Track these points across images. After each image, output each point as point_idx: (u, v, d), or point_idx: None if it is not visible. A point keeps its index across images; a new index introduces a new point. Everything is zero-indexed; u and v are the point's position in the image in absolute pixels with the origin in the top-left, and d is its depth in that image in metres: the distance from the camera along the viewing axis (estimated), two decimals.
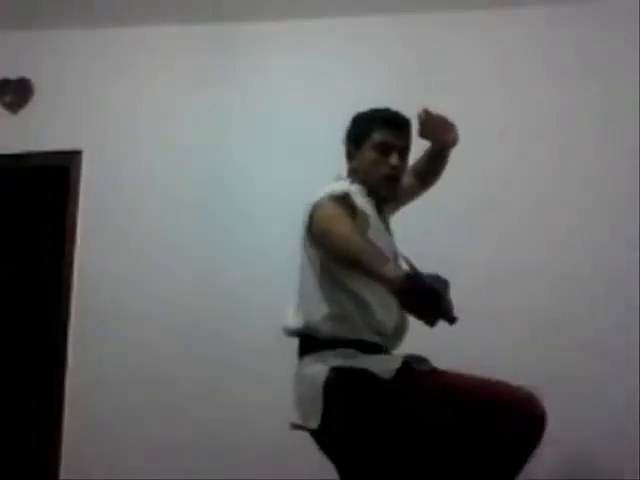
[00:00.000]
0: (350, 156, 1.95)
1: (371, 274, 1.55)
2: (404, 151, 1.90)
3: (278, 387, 3.14)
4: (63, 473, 3.18)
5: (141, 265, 3.35)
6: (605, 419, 2.88)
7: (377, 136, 1.86)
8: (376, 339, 1.77)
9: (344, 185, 1.85)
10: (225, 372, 3.16)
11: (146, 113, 3.52)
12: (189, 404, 3.16)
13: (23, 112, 3.59)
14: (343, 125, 1.97)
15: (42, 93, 3.59)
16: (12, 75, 3.61)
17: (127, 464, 3.11)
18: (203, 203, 3.39)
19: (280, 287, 3.19)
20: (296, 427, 1.76)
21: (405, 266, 1.53)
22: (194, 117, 3.47)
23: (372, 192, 1.88)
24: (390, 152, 1.86)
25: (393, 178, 1.88)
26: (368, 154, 1.88)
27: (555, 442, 2.88)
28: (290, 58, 3.47)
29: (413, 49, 3.36)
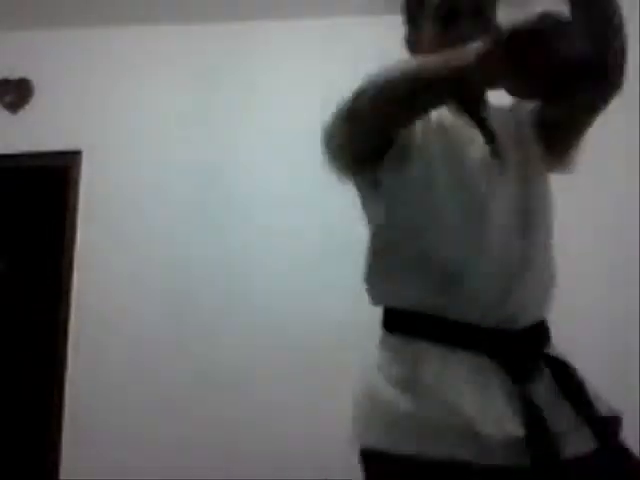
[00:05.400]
0: (412, 46, 1.36)
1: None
2: (481, 10, 1.23)
3: (279, 385, 3.18)
4: (63, 473, 3.18)
5: (141, 265, 3.35)
6: None
7: (431, 0, 1.24)
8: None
9: None
10: (227, 370, 3.16)
11: (146, 113, 3.52)
12: (190, 404, 3.16)
13: (23, 112, 3.59)
14: None
15: (42, 93, 3.59)
16: (12, 75, 3.61)
17: (127, 464, 3.11)
18: (203, 202, 3.39)
19: (283, 284, 3.24)
20: None
21: None
22: (194, 117, 3.47)
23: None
24: (456, 20, 1.22)
25: None
26: (427, 33, 1.27)
27: None
28: (291, 58, 3.47)
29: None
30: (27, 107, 3.59)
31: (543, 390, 1.10)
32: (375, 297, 1.24)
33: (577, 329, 3.00)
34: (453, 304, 1.12)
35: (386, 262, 1.21)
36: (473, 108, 1.25)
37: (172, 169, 3.44)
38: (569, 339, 3.06)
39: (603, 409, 1.13)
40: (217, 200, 3.37)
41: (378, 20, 3.36)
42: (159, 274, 3.33)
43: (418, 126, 1.17)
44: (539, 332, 1.18)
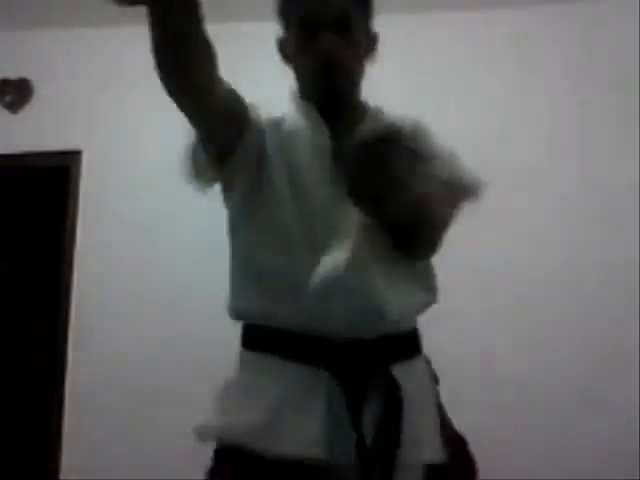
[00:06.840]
0: (282, 49, 1.36)
1: None
2: (344, 25, 1.22)
3: None
4: (63, 473, 3.18)
5: (141, 265, 3.35)
6: (605, 419, 2.88)
7: (294, 11, 1.23)
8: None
9: None
10: (226, 373, 3.15)
11: (146, 113, 3.52)
12: (189, 405, 3.15)
13: (23, 112, 3.59)
14: None
15: (42, 93, 3.59)
16: (12, 75, 3.61)
17: (127, 464, 3.11)
18: (204, 202, 3.38)
19: None
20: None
21: None
22: None
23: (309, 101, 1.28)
24: (317, 33, 1.21)
25: (325, 69, 1.21)
26: (291, 41, 1.27)
27: (555, 441, 2.90)
28: None
29: (405, 49, 3.36)
30: (27, 107, 3.59)
31: (373, 410, 1.09)
32: (229, 310, 1.25)
33: (577, 327, 3.01)
34: (297, 317, 1.12)
35: (234, 273, 1.23)
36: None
37: (172, 169, 3.43)
38: (569, 337, 3.07)
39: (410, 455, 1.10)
40: (217, 198, 3.36)
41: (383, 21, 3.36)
42: (159, 273, 3.33)
43: (268, 140, 1.22)
44: (387, 345, 1.13)
